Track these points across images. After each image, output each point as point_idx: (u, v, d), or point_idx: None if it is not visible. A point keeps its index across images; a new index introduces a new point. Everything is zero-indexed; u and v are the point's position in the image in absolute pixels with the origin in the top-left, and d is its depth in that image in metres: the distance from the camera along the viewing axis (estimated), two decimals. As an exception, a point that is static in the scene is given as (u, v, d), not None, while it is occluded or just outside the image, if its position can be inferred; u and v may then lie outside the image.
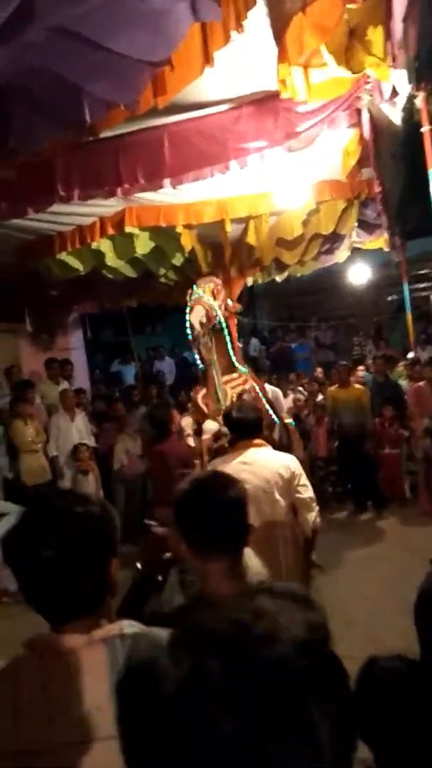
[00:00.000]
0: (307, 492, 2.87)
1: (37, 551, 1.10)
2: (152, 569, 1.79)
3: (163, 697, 0.56)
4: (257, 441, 2.94)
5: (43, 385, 7.81)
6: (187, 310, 4.40)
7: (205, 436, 3.90)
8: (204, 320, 4.28)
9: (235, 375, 4.49)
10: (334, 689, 0.59)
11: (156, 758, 0.57)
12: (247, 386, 4.48)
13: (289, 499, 2.82)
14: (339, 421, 7.05)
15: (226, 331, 4.50)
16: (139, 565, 1.84)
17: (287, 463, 2.87)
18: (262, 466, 2.80)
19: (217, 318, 4.39)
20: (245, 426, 2.96)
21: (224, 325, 4.47)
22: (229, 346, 4.55)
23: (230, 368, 4.52)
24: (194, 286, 4.57)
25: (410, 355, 8.75)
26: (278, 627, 0.59)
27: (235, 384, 4.40)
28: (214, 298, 4.46)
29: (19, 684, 1.08)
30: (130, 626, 1.14)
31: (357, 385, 7.18)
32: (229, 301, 4.77)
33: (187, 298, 4.47)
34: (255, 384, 4.72)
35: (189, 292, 4.53)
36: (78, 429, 7.07)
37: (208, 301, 4.38)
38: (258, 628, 0.58)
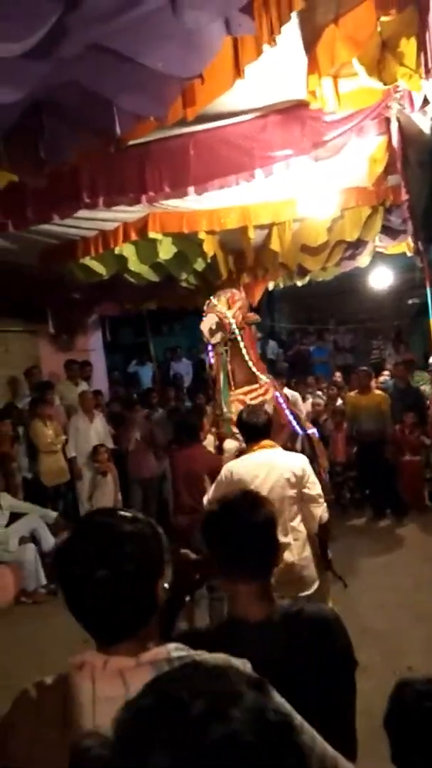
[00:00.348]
0: (315, 489, 3.15)
1: (91, 570, 1.10)
2: (180, 590, 1.78)
3: None
4: (266, 442, 3.23)
5: (62, 386, 7.88)
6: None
7: (226, 455, 3.94)
8: (214, 327, 4.20)
9: (255, 385, 4.40)
10: (288, 753, 0.53)
11: None
12: (267, 396, 4.39)
13: (299, 495, 3.11)
14: (358, 427, 7.02)
15: (241, 341, 4.37)
16: (166, 585, 1.84)
17: (299, 464, 3.16)
18: (277, 465, 3.11)
19: (232, 326, 4.28)
20: (255, 429, 3.25)
21: (239, 334, 4.36)
22: (247, 356, 4.42)
23: (251, 379, 4.43)
24: (211, 297, 4.50)
25: (432, 360, 8.65)
26: (219, 701, 0.53)
27: (255, 394, 4.32)
28: (229, 308, 4.35)
29: (67, 701, 1.08)
30: (176, 650, 1.14)
31: (377, 391, 7.13)
32: (248, 313, 4.64)
33: (204, 308, 4.41)
34: (278, 393, 4.64)
35: (207, 302, 4.44)
36: (96, 430, 7.13)
37: (221, 310, 4.29)
38: (197, 706, 0.52)
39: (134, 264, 5.62)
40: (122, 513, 1.21)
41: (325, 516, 3.18)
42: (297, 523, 3.11)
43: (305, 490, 3.10)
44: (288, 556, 2.93)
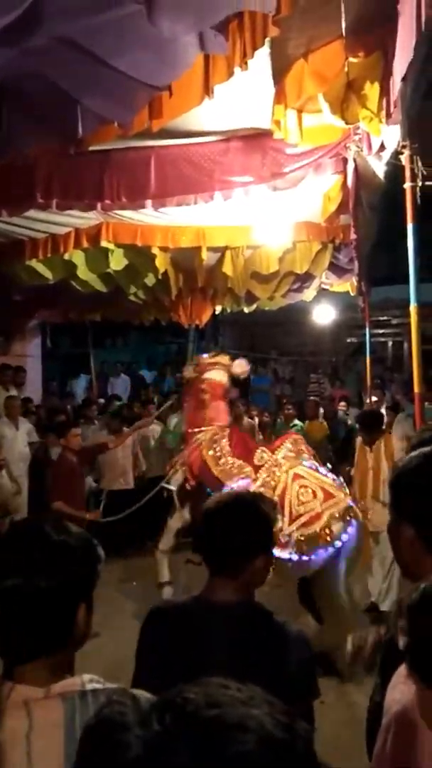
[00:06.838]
0: None
1: (4, 576, 1.03)
2: None
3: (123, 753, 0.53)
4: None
5: (-9, 391, 7.51)
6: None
7: None
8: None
9: None
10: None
11: None
12: None
13: None
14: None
15: None
16: None
17: None
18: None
19: None
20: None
21: None
22: None
23: None
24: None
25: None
26: (249, 720, 0.54)
27: None
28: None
29: None
30: (91, 681, 1.05)
31: (320, 421, 7.36)
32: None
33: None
34: None
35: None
36: (23, 438, 6.82)
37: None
38: (232, 716, 0.54)
39: (83, 272, 5.51)
40: (57, 524, 1.14)
41: None
42: None
43: None
44: None
